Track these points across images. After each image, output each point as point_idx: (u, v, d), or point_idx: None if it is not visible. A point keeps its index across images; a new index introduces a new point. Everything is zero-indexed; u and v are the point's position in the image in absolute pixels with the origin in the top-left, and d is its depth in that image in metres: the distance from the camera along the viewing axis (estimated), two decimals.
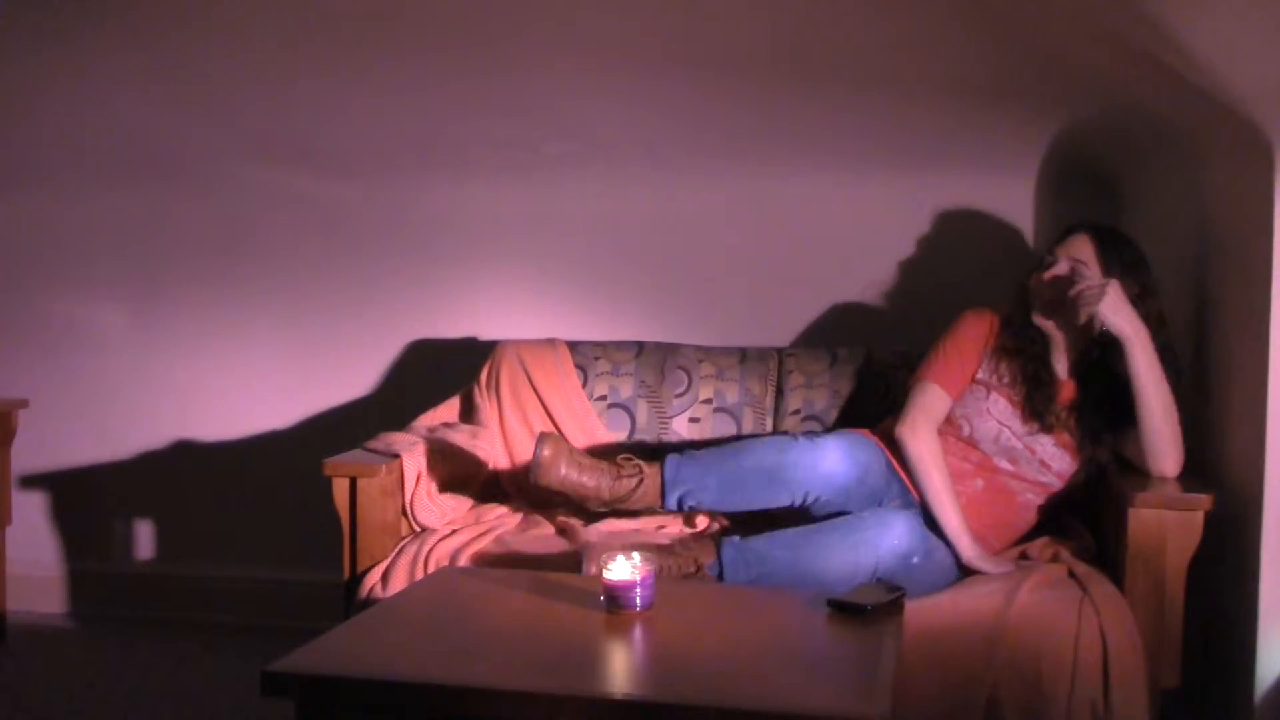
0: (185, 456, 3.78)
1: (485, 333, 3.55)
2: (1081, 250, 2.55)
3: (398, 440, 2.82)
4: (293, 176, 3.64)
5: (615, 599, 2.01)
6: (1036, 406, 2.58)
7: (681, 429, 3.02)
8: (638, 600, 2.01)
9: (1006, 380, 2.62)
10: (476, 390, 3.13)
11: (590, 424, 3.04)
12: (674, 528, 2.82)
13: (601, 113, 3.23)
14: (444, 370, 3.47)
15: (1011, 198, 3.27)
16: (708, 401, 3.04)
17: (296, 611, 3.57)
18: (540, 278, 3.54)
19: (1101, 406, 2.56)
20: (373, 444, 2.83)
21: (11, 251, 3.86)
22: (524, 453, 3.04)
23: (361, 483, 2.67)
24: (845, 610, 2.02)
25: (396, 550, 2.64)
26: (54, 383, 3.81)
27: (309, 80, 3.25)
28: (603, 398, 3.07)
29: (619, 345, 3.16)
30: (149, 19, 3.08)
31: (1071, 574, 2.42)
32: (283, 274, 3.72)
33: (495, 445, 3.05)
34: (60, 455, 3.85)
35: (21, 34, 3.17)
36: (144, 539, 3.85)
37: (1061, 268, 2.56)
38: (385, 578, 2.57)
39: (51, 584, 3.85)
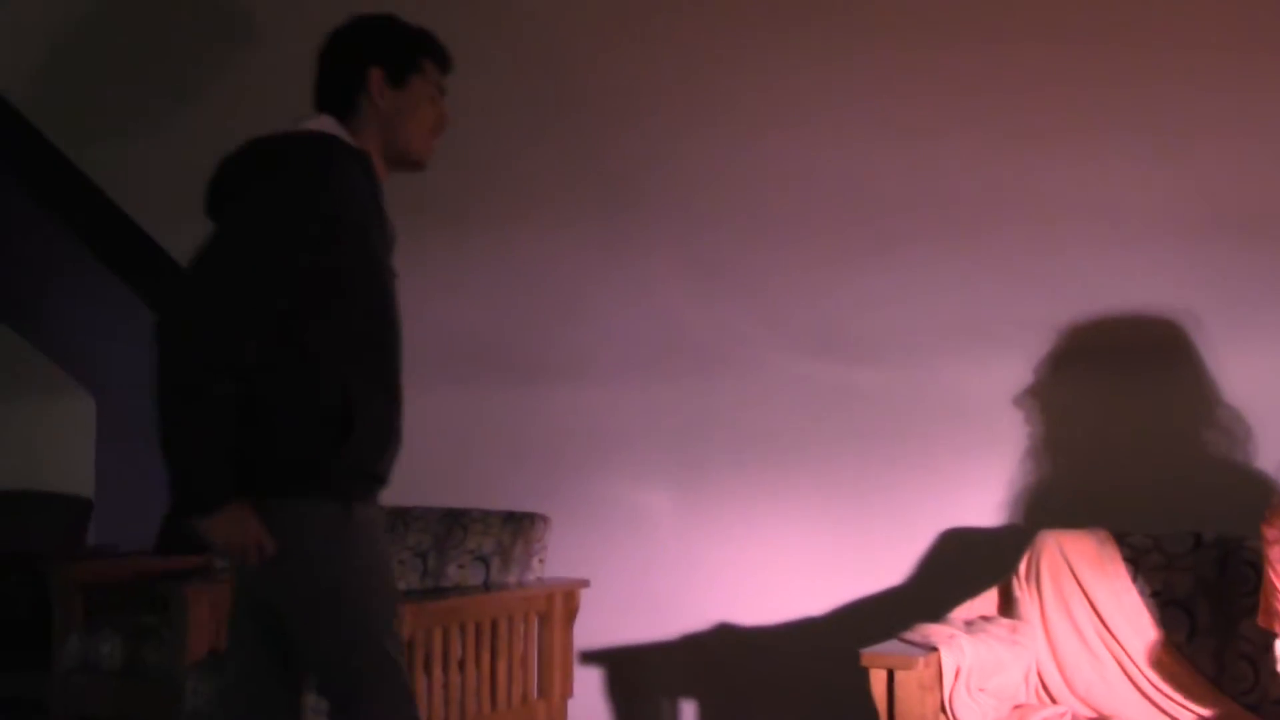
0: (726, 639, 3.92)
1: (1022, 521, 3.42)
2: None
3: (934, 633, 2.76)
4: (821, 364, 3.76)
5: None
6: None
7: (1249, 631, 2.72)
8: None
9: None
10: (1015, 582, 3.01)
11: (1142, 623, 2.82)
12: None
13: (1136, 282, 3.10)
14: (979, 560, 3.37)
15: None
16: None
17: None
18: (1083, 464, 3.38)
19: None
20: (909, 635, 2.79)
21: (576, 439, 4.24)
22: (1068, 651, 2.87)
23: (899, 675, 2.63)
24: None
25: None
26: (611, 563, 4.09)
27: (836, 273, 3.42)
28: (1156, 594, 2.85)
29: (1174, 536, 2.93)
30: (687, 224, 3.43)
31: None
32: (815, 460, 3.81)
33: (1037, 641, 2.90)
34: (616, 633, 4.10)
35: (582, 249, 3.64)
36: (688, 719, 4.01)
37: None
38: None
39: None
